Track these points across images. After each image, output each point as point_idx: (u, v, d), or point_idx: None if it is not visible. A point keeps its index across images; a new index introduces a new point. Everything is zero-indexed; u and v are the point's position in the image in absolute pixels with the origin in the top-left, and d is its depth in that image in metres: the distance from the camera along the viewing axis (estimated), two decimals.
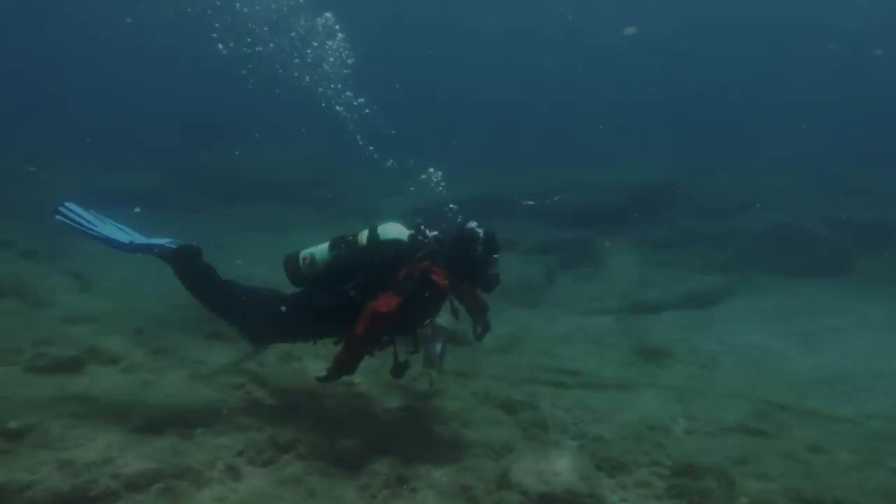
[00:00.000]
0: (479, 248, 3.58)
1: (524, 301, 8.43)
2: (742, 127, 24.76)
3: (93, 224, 3.56)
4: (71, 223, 3.53)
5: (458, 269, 3.53)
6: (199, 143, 18.71)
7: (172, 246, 3.58)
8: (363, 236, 3.56)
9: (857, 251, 9.88)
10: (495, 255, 3.67)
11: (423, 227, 3.65)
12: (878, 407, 4.72)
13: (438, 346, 3.72)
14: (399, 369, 3.50)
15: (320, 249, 3.58)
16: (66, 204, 3.60)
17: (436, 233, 3.67)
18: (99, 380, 3.53)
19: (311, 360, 4.55)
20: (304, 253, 3.60)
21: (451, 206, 4.14)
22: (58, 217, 3.53)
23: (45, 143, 16.24)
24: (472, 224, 3.65)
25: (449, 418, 4.00)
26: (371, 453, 3.11)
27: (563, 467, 3.22)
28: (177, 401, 3.32)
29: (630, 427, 4.19)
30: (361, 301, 3.30)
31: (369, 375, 4.60)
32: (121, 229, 3.64)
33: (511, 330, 6.85)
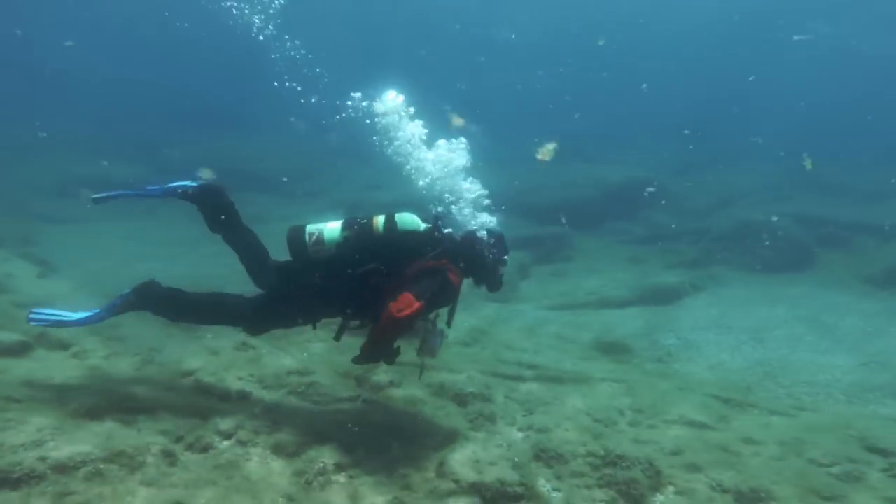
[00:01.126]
0: (493, 249, 3.61)
1: (495, 295, 8.57)
2: (732, 124, 25.16)
3: (66, 317, 3.42)
4: (48, 324, 3.40)
5: (468, 268, 3.56)
6: (190, 134, 18.67)
7: (127, 291, 3.47)
8: (378, 222, 3.46)
9: (820, 248, 10.14)
10: (505, 258, 3.71)
11: (439, 222, 3.61)
12: (814, 399, 4.91)
13: (440, 339, 3.68)
14: (391, 354, 3.50)
15: (330, 228, 3.44)
16: (33, 313, 3.41)
17: (450, 229, 3.64)
18: (45, 364, 3.59)
19: (268, 349, 4.64)
20: (312, 228, 3.46)
21: (460, 205, 3.99)
22: (32, 323, 3.36)
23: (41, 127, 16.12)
24: (487, 224, 3.69)
25: (399, 409, 4.11)
26: (312, 441, 3.20)
27: (499, 457, 3.35)
28: (123, 388, 3.39)
29: (577, 419, 4.32)
30: (368, 283, 3.31)
31: (324, 364, 4.71)
32: (79, 313, 3.47)
33: (477, 324, 6.98)
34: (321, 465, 2.98)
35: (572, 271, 10.02)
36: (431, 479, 3.14)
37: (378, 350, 3.35)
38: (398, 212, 3.55)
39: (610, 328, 7.01)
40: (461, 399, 4.50)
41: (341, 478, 2.99)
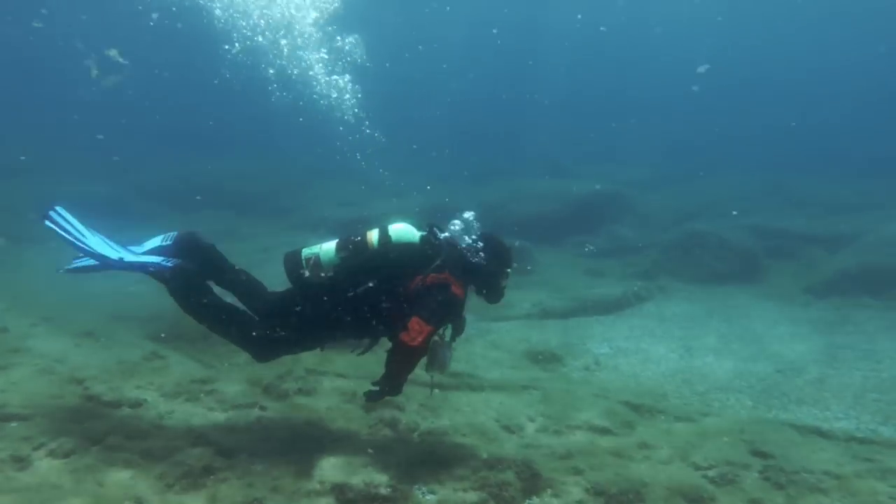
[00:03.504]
0: (496, 260, 3.54)
1: None
2: (712, 138, 25.64)
3: (83, 235, 3.32)
4: (60, 230, 3.30)
5: (470, 279, 3.49)
6: (165, 153, 18.74)
7: (167, 264, 3.35)
8: (372, 237, 3.42)
9: (770, 259, 10.32)
10: (508, 269, 3.64)
11: (435, 230, 3.53)
12: (723, 405, 5.00)
13: (449, 353, 3.59)
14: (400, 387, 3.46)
15: (326, 250, 3.40)
16: (57, 208, 3.36)
17: (447, 234, 3.55)
18: None
19: (178, 359, 4.68)
20: (308, 252, 3.41)
21: (467, 214, 3.91)
22: (47, 222, 3.30)
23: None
24: (489, 235, 3.62)
25: (300, 416, 4.15)
26: (186, 445, 3.24)
27: (377, 461, 3.40)
28: (6, 394, 3.42)
29: (481, 426, 4.38)
30: (370, 302, 3.27)
31: (237, 374, 4.75)
32: (109, 245, 3.39)
33: None
34: (187, 467, 3.01)
35: (526, 284, 10.10)
36: (301, 481, 3.17)
37: (397, 382, 3.35)
38: (391, 223, 3.51)
39: (547, 338, 7.09)
40: (370, 406, 4.53)
41: (208, 481, 3.03)
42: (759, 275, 9.82)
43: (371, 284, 3.29)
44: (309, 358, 5.63)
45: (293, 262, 3.41)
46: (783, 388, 5.26)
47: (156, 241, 3.53)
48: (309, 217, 14.47)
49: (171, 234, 3.54)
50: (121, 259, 3.32)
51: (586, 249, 13.08)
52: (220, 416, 3.86)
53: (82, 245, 3.29)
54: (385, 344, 3.57)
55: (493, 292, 3.68)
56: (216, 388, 4.26)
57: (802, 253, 10.65)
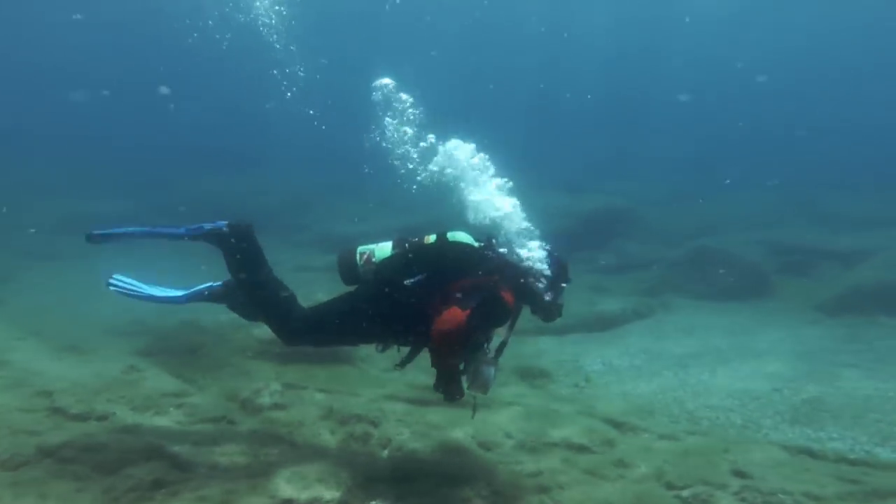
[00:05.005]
0: (552, 275, 3.43)
1: None
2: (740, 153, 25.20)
3: (142, 288, 3.58)
4: (124, 291, 3.55)
5: (524, 292, 3.36)
6: (183, 172, 19.24)
7: (218, 284, 3.58)
8: (430, 238, 3.43)
9: (782, 275, 9.99)
10: (564, 285, 3.54)
11: (494, 242, 3.48)
12: (711, 424, 4.79)
13: (493, 371, 3.40)
14: (459, 388, 3.36)
15: (381, 247, 3.43)
16: (114, 276, 3.60)
17: (504, 250, 3.47)
18: None
19: (154, 373, 4.69)
20: (363, 249, 3.45)
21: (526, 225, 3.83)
22: (111, 288, 3.56)
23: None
24: (548, 249, 3.52)
25: (270, 431, 4.10)
26: (141, 459, 3.22)
27: (332, 475, 3.33)
28: None
29: (457, 442, 4.29)
30: (418, 304, 3.20)
31: (215, 388, 4.75)
32: (163, 289, 3.63)
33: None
34: (136, 481, 2.99)
35: None
36: (253, 496, 3.12)
37: (447, 381, 3.25)
38: (451, 230, 3.50)
39: (538, 354, 6.95)
40: (344, 421, 4.49)
41: (157, 494, 2.99)
42: (769, 291, 9.50)
43: (416, 278, 3.23)
44: (290, 373, 5.65)
45: (347, 258, 3.44)
46: (778, 406, 5.03)
47: (209, 225, 3.57)
48: (327, 231, 14.56)
49: (224, 221, 3.57)
50: (182, 295, 3.55)
51: (602, 263, 12.85)
52: (186, 430, 3.84)
53: (148, 296, 3.53)
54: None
55: (549, 310, 3.53)
56: (188, 401, 4.25)
57: (818, 269, 10.30)
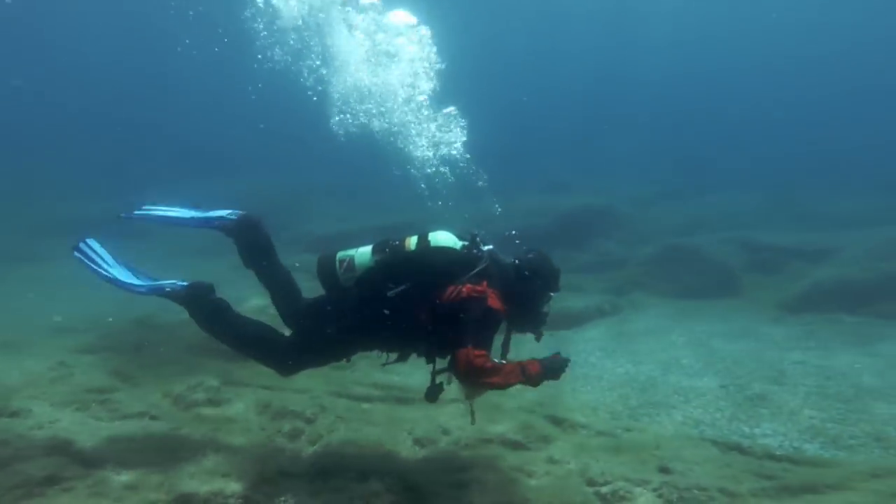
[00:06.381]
0: (540, 279, 3.34)
1: None
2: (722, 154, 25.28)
3: (107, 265, 3.44)
4: (87, 261, 3.42)
5: (512, 298, 3.26)
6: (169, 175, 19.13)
7: (182, 284, 3.44)
8: (411, 241, 3.31)
9: (750, 273, 9.96)
10: (552, 294, 3.44)
11: (478, 239, 3.35)
12: (652, 420, 4.76)
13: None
14: (434, 392, 3.35)
15: (361, 252, 3.33)
16: (88, 240, 3.48)
17: (490, 247, 3.35)
18: None
19: (83, 369, 4.61)
20: (342, 255, 3.35)
21: (513, 232, 3.85)
22: (76, 253, 3.42)
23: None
24: (537, 251, 3.45)
25: (197, 425, 4.03)
26: (41, 454, 3.15)
27: (242, 471, 3.27)
28: None
29: (391, 439, 4.23)
30: (398, 307, 3.13)
31: (149, 383, 4.66)
32: (132, 272, 3.51)
33: None
34: (25, 476, 2.92)
35: None
36: (152, 491, 3.05)
37: (491, 389, 3.27)
38: (431, 230, 3.39)
39: (495, 350, 6.89)
40: (281, 416, 4.42)
41: (49, 490, 2.92)
42: (737, 289, 9.48)
43: (400, 288, 3.14)
44: (238, 370, 5.55)
45: (327, 265, 3.35)
46: (720, 404, 5.00)
47: (221, 213, 3.59)
48: (309, 232, 14.43)
49: (237, 211, 3.58)
50: (140, 285, 3.44)
51: (580, 262, 12.79)
52: (103, 426, 3.77)
53: (106, 275, 3.39)
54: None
55: (530, 318, 3.44)
56: (113, 397, 4.18)
57: (788, 267, 10.27)
